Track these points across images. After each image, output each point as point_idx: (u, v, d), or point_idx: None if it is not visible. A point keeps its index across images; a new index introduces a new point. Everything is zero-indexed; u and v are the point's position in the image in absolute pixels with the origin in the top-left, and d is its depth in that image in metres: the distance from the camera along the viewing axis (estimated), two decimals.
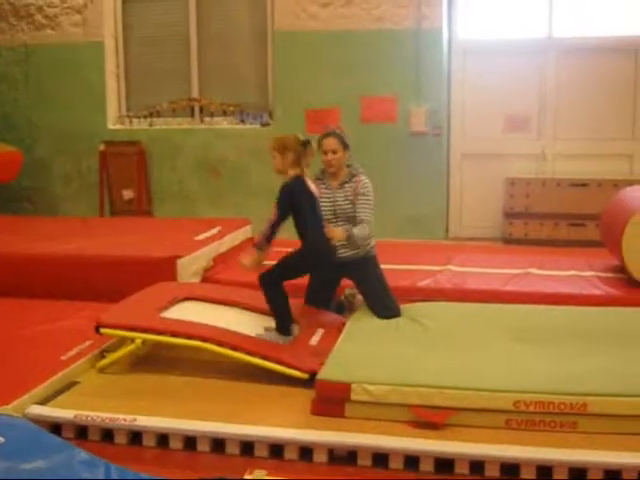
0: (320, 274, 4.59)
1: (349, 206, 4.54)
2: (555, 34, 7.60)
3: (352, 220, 4.53)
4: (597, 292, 5.10)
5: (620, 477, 2.96)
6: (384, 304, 4.51)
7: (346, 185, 4.56)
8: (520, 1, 7.67)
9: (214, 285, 5.20)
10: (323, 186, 4.57)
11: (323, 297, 4.65)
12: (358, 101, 7.76)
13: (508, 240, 7.46)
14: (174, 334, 3.93)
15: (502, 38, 7.71)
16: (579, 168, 7.58)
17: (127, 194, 8.25)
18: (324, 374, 3.45)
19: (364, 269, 4.60)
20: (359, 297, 4.81)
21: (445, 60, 7.70)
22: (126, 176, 8.21)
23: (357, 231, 4.44)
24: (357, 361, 3.60)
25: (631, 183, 7.34)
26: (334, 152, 4.50)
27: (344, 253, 4.52)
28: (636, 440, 3.10)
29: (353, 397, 3.32)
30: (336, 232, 4.37)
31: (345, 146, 4.57)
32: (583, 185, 7.36)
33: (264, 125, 8.07)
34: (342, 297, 4.95)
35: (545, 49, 7.60)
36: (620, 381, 3.30)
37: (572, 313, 4.38)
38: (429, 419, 3.22)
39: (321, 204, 4.39)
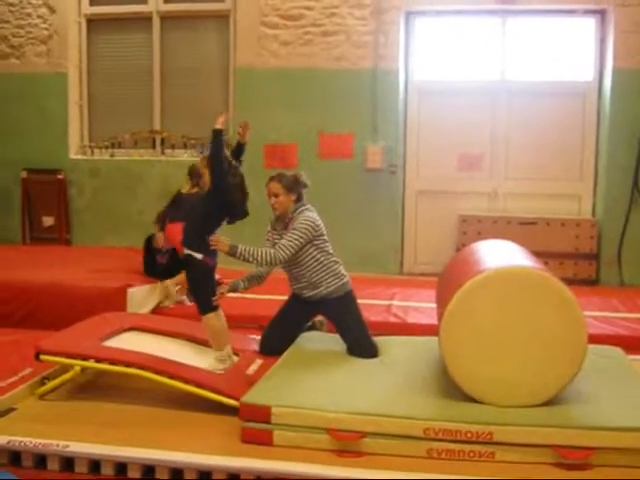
0: (293, 311, 4.63)
1: None
2: (507, 77, 7.86)
3: (296, 263, 4.45)
4: None
5: None
6: (357, 344, 4.43)
7: (288, 227, 4.47)
8: (474, 44, 7.94)
9: (160, 317, 5.30)
10: (275, 231, 4.56)
11: (289, 334, 4.61)
12: (316, 137, 7.94)
13: None
14: (113, 362, 4.01)
15: (456, 79, 7.95)
16: (529, 207, 7.80)
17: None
18: (248, 397, 3.58)
19: (332, 309, 4.55)
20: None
21: (401, 100, 7.91)
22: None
23: (247, 249, 4.25)
24: (283, 387, 3.72)
25: (578, 223, 7.61)
26: (276, 196, 4.45)
27: (306, 293, 4.51)
28: (547, 468, 3.23)
29: (273, 420, 3.45)
30: (220, 240, 4.24)
31: (289, 190, 4.46)
32: (532, 223, 7.57)
33: None
34: (312, 322, 4.89)
35: (497, 91, 7.85)
36: (526, 412, 3.42)
37: None
38: (343, 440, 3.36)
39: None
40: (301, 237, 4.36)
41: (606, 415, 3.38)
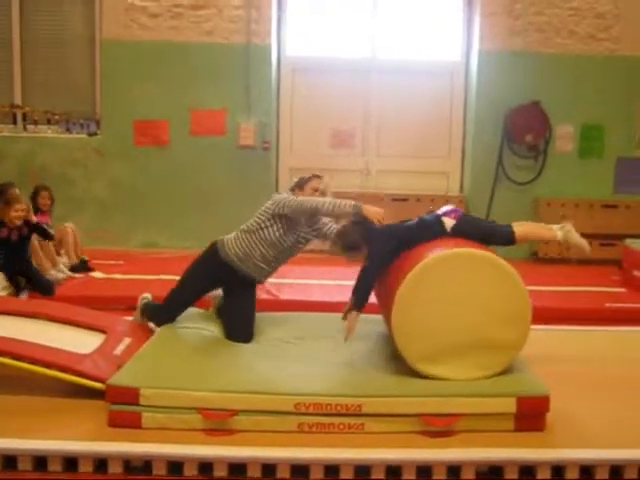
0: (203, 288, 4.48)
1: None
2: (379, 55, 7.97)
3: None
4: None
5: (400, 474, 3.16)
6: (243, 327, 4.32)
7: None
8: (346, 22, 7.98)
9: (19, 299, 5.04)
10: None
11: (193, 299, 4.48)
12: (188, 114, 7.78)
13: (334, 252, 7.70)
14: None
15: (329, 56, 7.99)
16: (400, 184, 7.97)
17: None
18: (115, 379, 3.47)
19: (247, 287, 4.46)
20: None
21: (274, 76, 7.87)
22: None
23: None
24: (150, 368, 3.62)
25: (447, 199, 7.82)
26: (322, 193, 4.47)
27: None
28: (413, 437, 3.32)
29: (142, 402, 3.35)
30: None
31: None
32: (403, 200, 7.75)
33: (91, 135, 7.91)
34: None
35: (369, 69, 7.95)
36: (393, 383, 3.51)
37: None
38: (214, 419, 3.32)
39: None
40: None
41: (468, 383, 3.50)
